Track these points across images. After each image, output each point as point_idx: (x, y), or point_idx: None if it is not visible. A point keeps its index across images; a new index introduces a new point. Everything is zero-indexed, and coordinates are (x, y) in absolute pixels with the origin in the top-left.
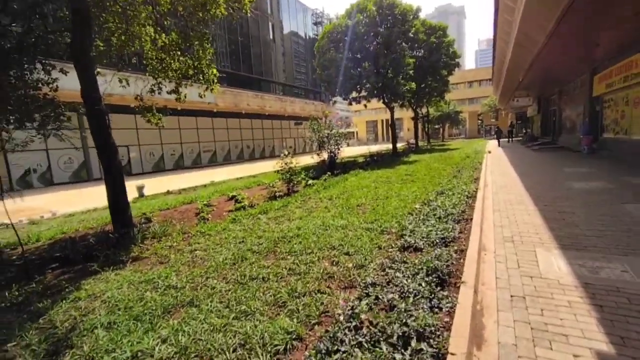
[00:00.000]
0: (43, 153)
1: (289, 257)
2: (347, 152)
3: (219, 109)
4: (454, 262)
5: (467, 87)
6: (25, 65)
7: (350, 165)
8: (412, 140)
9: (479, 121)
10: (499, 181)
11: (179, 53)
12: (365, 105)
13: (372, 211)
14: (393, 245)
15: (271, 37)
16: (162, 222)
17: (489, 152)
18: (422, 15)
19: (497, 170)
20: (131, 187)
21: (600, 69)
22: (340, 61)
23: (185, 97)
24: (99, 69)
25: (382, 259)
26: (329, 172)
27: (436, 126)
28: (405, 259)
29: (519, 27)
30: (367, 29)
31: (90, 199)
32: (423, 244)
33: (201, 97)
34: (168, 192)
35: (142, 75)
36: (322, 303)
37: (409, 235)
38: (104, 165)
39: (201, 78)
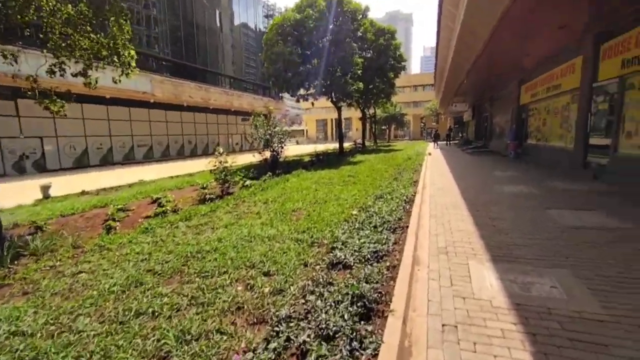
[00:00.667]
0: None
1: (197, 279)
2: (295, 150)
3: (156, 100)
4: (385, 283)
5: (412, 90)
6: None
7: (294, 165)
8: (360, 140)
9: (422, 124)
10: (437, 183)
11: (89, 29)
12: (313, 104)
13: (306, 218)
14: (321, 261)
15: (218, 26)
16: (52, 234)
17: (429, 154)
18: (372, 17)
19: (435, 172)
20: (36, 186)
21: (527, 79)
22: (288, 55)
23: (96, 81)
24: None
25: (305, 280)
26: (270, 172)
27: (383, 127)
28: (331, 280)
29: (458, 34)
30: (317, 24)
31: None
32: (354, 259)
33: (116, 82)
34: (83, 193)
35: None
36: (217, 351)
37: (340, 249)
38: None
39: (116, 60)
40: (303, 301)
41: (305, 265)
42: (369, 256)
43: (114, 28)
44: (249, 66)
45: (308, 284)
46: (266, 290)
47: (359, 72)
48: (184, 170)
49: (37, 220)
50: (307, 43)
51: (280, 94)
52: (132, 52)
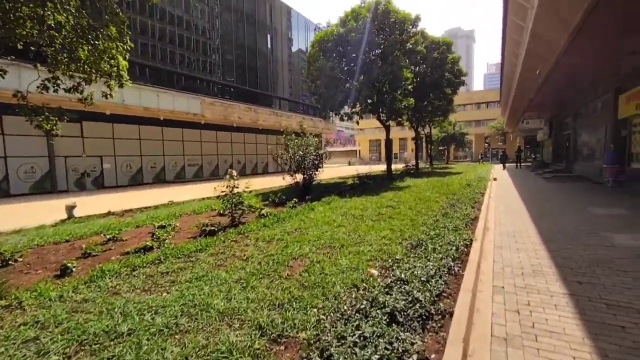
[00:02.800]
0: None
1: None
2: (342, 172)
3: (207, 121)
4: None
5: (475, 108)
6: None
7: (331, 189)
8: (412, 163)
9: (486, 144)
10: (505, 224)
11: (90, 38)
12: (358, 122)
13: (303, 274)
14: None
15: (271, 50)
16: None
17: (495, 179)
18: (424, 29)
19: (503, 205)
20: (85, 202)
21: (628, 87)
22: (329, 71)
23: (92, 97)
24: None
25: None
26: (296, 199)
27: (440, 148)
28: None
29: (527, 45)
30: (361, 37)
31: None
32: None
33: (107, 97)
34: (108, 214)
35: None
36: None
37: None
38: None
39: (114, 72)
40: None
41: None
42: None
43: (114, 39)
44: (305, 89)
45: None
46: None
47: (410, 87)
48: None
49: (8, 250)
50: (351, 58)
51: (332, 114)
52: (125, 63)
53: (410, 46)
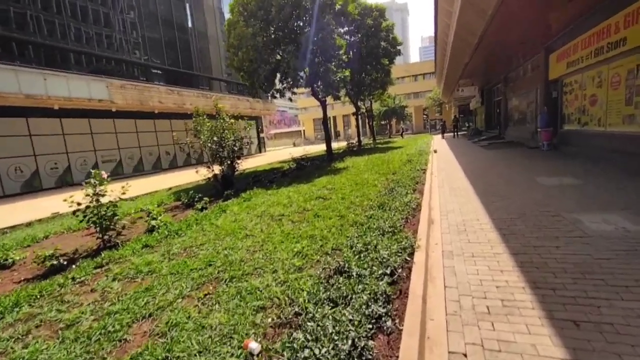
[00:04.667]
0: None
1: None
2: (283, 155)
3: (118, 108)
4: None
5: (412, 81)
6: None
7: (262, 177)
8: (354, 140)
9: (424, 116)
10: (452, 211)
11: None
12: (290, 99)
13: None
14: None
15: (196, 24)
16: None
17: (435, 151)
18: None
19: (446, 183)
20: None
21: (557, 46)
22: (252, 39)
23: None
24: None
25: None
26: (211, 197)
27: (382, 122)
28: None
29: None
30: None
31: None
32: None
33: None
34: None
35: None
36: None
37: None
38: None
39: None
40: None
41: None
42: None
43: None
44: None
45: None
46: None
47: (344, 57)
48: (150, 187)
49: None
50: (276, 24)
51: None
52: None
53: (340, 6)
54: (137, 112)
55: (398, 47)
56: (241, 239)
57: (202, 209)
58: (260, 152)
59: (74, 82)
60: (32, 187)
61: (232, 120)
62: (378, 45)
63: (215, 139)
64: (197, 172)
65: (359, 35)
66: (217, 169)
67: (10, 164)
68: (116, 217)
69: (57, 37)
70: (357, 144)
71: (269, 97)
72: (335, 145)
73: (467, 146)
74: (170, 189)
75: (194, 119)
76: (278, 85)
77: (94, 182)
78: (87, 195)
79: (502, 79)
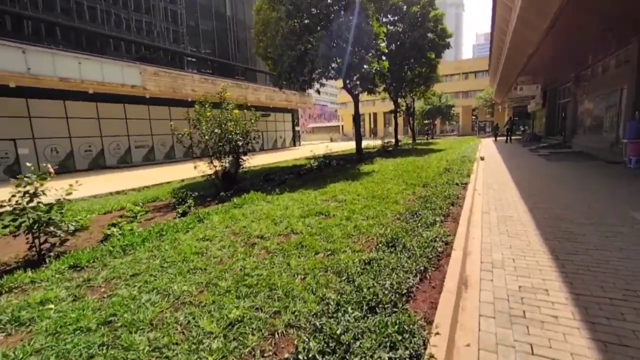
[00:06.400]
0: None
1: None
2: (314, 151)
3: (151, 95)
4: None
5: (462, 79)
6: None
7: (272, 177)
8: (389, 139)
9: (473, 117)
10: (499, 255)
11: None
12: (319, 91)
13: None
14: None
15: (235, 12)
16: None
17: (482, 158)
18: None
19: (494, 204)
20: None
21: None
22: (276, 24)
23: None
24: None
25: None
26: (205, 197)
27: (425, 121)
28: None
29: None
30: None
31: None
32: None
33: None
34: None
35: None
36: None
37: None
38: None
39: None
40: None
41: None
42: None
43: None
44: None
45: None
46: None
47: (383, 46)
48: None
49: None
50: (306, 10)
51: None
52: None
53: None
54: (170, 100)
55: (447, 40)
56: (185, 274)
57: (183, 214)
58: (294, 145)
59: (108, 67)
60: (65, 168)
61: (237, 111)
62: (424, 36)
63: (216, 131)
64: (195, 167)
65: (402, 26)
66: (218, 164)
67: (46, 144)
68: (62, 223)
69: (99, 23)
70: (393, 143)
71: (303, 89)
72: (370, 143)
73: (522, 154)
74: (182, 180)
75: (196, 106)
76: (306, 76)
77: (30, 180)
78: (18, 193)
79: (573, 78)
